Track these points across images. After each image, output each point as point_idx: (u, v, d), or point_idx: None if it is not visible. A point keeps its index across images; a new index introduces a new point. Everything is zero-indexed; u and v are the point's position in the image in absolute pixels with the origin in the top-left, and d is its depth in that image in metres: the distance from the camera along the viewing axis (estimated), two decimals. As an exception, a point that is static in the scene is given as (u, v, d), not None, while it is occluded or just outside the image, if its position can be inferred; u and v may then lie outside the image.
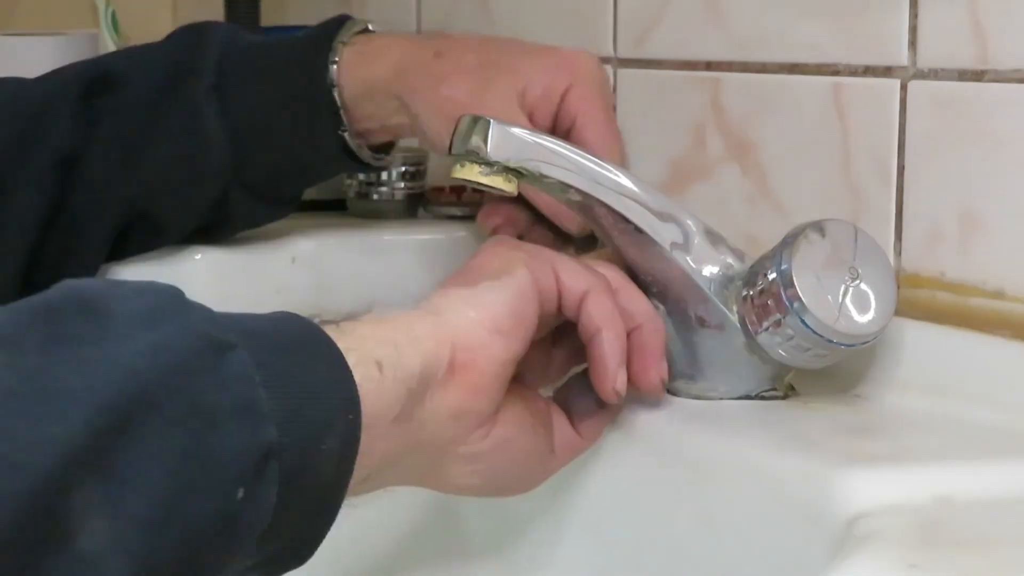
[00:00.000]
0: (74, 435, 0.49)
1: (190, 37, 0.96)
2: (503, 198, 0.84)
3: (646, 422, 0.76)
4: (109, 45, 1.50)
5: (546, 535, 0.80)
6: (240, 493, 0.53)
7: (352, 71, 0.92)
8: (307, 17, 1.32)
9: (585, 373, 0.73)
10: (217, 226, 0.97)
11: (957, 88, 0.77)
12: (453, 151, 0.71)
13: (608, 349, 0.70)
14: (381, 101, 0.92)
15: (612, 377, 0.70)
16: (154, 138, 0.94)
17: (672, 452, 0.74)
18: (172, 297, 0.56)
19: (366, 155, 0.95)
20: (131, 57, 0.98)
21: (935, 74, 0.78)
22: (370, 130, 0.94)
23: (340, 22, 0.94)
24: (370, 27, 0.95)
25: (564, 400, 0.75)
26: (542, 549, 0.81)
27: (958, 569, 0.56)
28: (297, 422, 0.55)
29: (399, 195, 1.11)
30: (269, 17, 1.30)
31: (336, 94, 0.92)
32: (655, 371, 0.73)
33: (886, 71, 0.81)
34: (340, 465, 0.58)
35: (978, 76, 0.76)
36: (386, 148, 0.97)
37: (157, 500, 0.51)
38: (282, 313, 0.61)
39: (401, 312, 0.67)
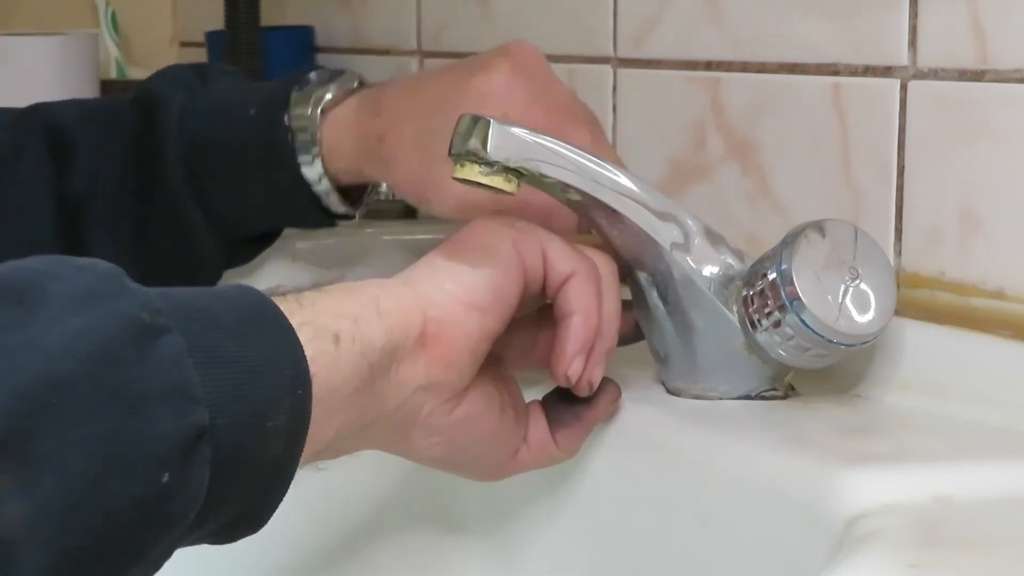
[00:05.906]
0: None
1: (145, 117, 0.93)
2: None
3: (646, 422, 0.76)
4: (109, 45, 1.50)
5: (544, 532, 0.80)
6: (165, 477, 0.52)
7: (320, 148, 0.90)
8: (307, 17, 1.33)
9: None
10: None
11: (957, 88, 0.77)
12: (453, 151, 0.71)
13: (573, 334, 0.70)
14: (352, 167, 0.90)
15: (567, 362, 0.70)
16: (145, 247, 0.93)
17: (672, 452, 0.74)
18: (110, 280, 0.55)
19: (342, 211, 0.93)
20: (91, 128, 0.95)
21: (935, 74, 0.78)
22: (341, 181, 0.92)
23: (287, 95, 0.90)
24: (312, 76, 0.91)
25: (547, 405, 0.74)
26: (536, 543, 0.81)
27: (958, 569, 0.56)
28: (236, 402, 0.55)
29: (399, 195, 1.10)
30: (269, 17, 1.30)
31: (305, 172, 0.90)
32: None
33: (886, 71, 0.81)
34: (290, 440, 0.58)
35: (978, 76, 0.76)
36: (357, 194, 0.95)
37: (75, 484, 0.51)
38: (236, 287, 0.60)
39: (372, 281, 0.66)
